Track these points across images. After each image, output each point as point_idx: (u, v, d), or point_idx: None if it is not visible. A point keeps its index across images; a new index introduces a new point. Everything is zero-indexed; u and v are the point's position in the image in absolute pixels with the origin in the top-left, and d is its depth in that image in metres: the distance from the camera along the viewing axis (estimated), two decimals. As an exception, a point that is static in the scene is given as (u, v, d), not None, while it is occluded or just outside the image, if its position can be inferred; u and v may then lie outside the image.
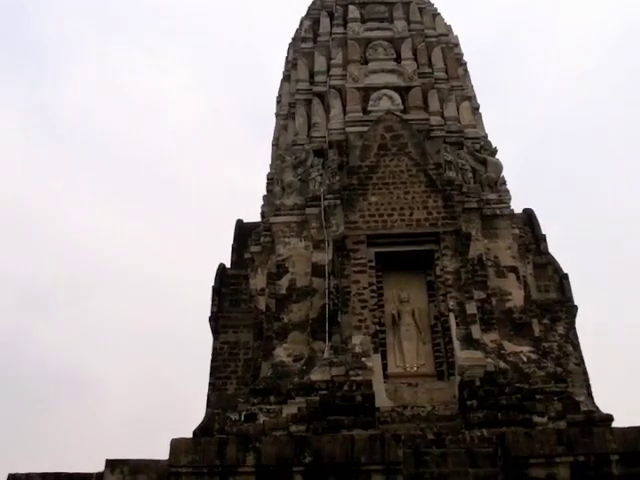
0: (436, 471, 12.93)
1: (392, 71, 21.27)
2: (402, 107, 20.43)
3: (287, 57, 24.60)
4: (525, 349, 17.28)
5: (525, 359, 16.97)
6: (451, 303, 17.07)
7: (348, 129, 20.13)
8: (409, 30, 22.22)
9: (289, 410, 15.60)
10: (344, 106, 20.77)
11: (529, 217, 22.41)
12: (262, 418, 15.58)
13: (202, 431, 17.41)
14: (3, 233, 60.19)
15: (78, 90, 68.61)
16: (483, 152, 20.29)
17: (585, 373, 19.22)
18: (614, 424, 15.18)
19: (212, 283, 21.62)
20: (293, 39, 24.69)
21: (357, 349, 16.38)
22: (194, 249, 56.27)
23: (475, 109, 22.08)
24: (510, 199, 19.46)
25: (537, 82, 68.80)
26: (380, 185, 18.48)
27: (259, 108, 63.84)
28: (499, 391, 15.34)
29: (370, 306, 17.19)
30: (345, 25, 22.52)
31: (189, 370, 45.27)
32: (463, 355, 16.12)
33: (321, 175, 19.70)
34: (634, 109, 65.38)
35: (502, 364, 16.23)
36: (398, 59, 21.60)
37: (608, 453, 12.82)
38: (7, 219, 58.81)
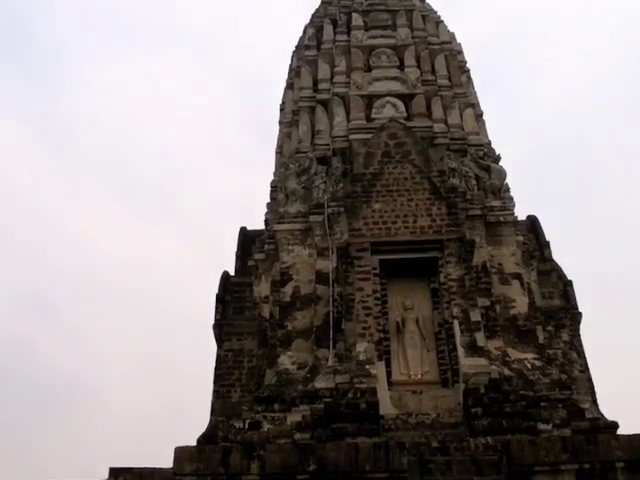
0: (441, 479, 12.92)
1: (395, 78, 21.27)
2: (405, 114, 20.43)
3: (291, 65, 24.63)
4: (529, 356, 17.26)
5: (529, 366, 16.94)
6: (455, 310, 17.03)
7: (352, 136, 20.12)
8: (412, 37, 22.22)
9: (293, 418, 15.59)
10: (348, 114, 20.77)
11: (533, 224, 22.36)
12: (266, 426, 15.56)
13: (206, 439, 17.38)
14: (3, 239, 60.37)
15: (80, 96, 68.91)
16: (487, 159, 20.29)
17: (590, 380, 19.14)
18: (619, 431, 15.16)
19: (216, 290, 21.62)
20: (296, 47, 24.73)
21: (361, 357, 16.34)
22: (197, 256, 56.41)
23: (478, 116, 22.09)
24: (514, 206, 19.47)
25: (540, 85, 68.90)
26: (384, 192, 18.47)
27: (261, 115, 64.08)
28: (504, 398, 15.31)
29: (374, 313, 17.16)
30: (348, 33, 22.53)
31: (193, 378, 45.24)
32: (467, 362, 16.07)
33: (325, 183, 19.72)
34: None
35: (507, 371, 16.20)
36: (401, 66, 21.60)
37: (613, 460, 12.79)
38: (6, 227, 58.94)
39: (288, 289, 18.51)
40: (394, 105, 20.64)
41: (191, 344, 42.88)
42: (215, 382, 19.71)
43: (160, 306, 52.63)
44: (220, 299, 21.31)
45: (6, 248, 58.54)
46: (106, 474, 13.26)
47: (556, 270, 21.10)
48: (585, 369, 19.27)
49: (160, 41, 75.08)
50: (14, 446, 43.07)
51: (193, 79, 72.99)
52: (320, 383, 16.17)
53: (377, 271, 17.76)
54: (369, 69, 21.67)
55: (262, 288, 19.66)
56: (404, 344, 17.35)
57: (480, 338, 16.66)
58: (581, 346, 19.72)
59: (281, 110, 24.19)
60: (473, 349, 16.42)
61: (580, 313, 20.30)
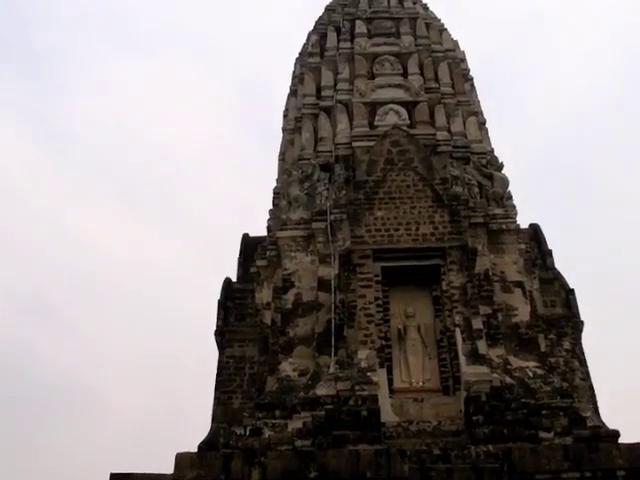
0: (442, 487, 12.91)
1: (399, 86, 21.30)
2: (409, 122, 20.45)
3: (294, 72, 24.66)
4: (531, 364, 17.21)
5: (531, 374, 16.89)
6: (457, 318, 17.03)
7: (355, 144, 20.14)
8: (416, 45, 22.26)
9: (294, 425, 15.54)
10: (351, 121, 20.78)
11: (535, 232, 22.35)
12: (267, 433, 15.51)
13: (207, 445, 17.36)
14: (3, 239, 60.41)
15: (80, 95, 69.10)
16: (489, 167, 20.29)
17: (591, 388, 19.13)
18: (621, 440, 15.12)
19: (216, 293, 21.65)
20: (300, 54, 24.76)
21: (363, 364, 16.32)
22: (197, 256, 56.43)
23: (481, 124, 22.07)
24: (516, 214, 19.44)
25: (540, 85, 68.99)
26: (386, 200, 18.48)
27: (261, 116, 64.23)
28: (505, 406, 15.29)
29: (376, 321, 17.16)
30: (352, 40, 22.57)
31: (193, 376, 45.29)
32: (469, 370, 16.04)
33: (327, 189, 19.71)
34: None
35: (508, 379, 16.16)
36: (405, 74, 21.63)
37: (615, 469, 12.82)
38: (6, 227, 58.99)
39: (290, 296, 18.48)
40: (397, 112, 20.67)
41: (191, 343, 42.96)
42: (216, 388, 19.69)
43: (160, 306, 52.74)
44: (222, 305, 21.29)
45: (6, 248, 58.70)
46: (107, 479, 13.26)
47: (558, 278, 21.08)
48: (586, 377, 19.25)
49: (160, 41, 75.28)
50: (14, 446, 43.21)
51: (193, 79, 73.07)
52: (321, 390, 16.13)
53: (379, 278, 17.76)
54: (372, 76, 21.70)
55: (264, 295, 19.62)
56: (406, 351, 17.34)
57: (482, 346, 16.64)
58: (583, 354, 19.70)
59: (284, 117, 24.20)
60: (475, 357, 16.41)
61: (582, 321, 20.27)
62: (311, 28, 24.70)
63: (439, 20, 24.15)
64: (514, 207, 19.60)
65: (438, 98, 21.20)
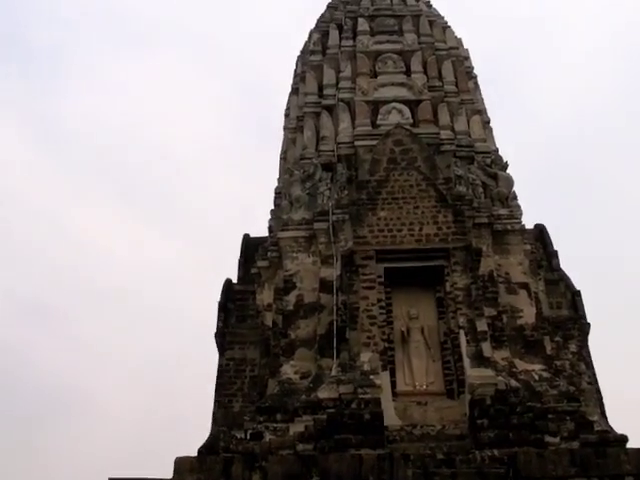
0: (446, 492, 12.70)
1: (402, 84, 21.10)
2: (412, 121, 20.25)
3: (296, 70, 24.47)
4: (537, 367, 17.03)
5: (537, 377, 16.71)
6: (461, 320, 16.80)
7: (357, 143, 19.94)
8: (419, 43, 22.06)
9: (296, 428, 15.36)
10: (353, 119, 20.59)
11: (540, 233, 22.17)
12: (268, 436, 15.34)
13: (207, 449, 17.14)
14: (3, 239, 60.39)
15: (80, 96, 69.07)
16: (494, 166, 20.07)
17: (598, 392, 18.94)
18: (629, 445, 14.92)
19: (217, 294, 21.48)
20: (302, 52, 24.57)
21: (365, 366, 16.11)
22: (197, 257, 56.39)
23: (485, 123, 21.89)
24: (521, 214, 19.25)
25: (540, 85, 68.96)
26: (389, 200, 18.26)
27: (261, 116, 64.31)
28: (510, 410, 15.08)
29: (379, 323, 16.94)
30: (354, 38, 22.37)
31: (193, 378, 45.17)
32: (473, 373, 15.84)
33: (329, 189, 19.52)
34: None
35: (513, 382, 15.95)
36: (408, 72, 21.42)
37: (622, 475, 12.67)
38: (6, 227, 58.94)
39: (291, 297, 18.30)
40: (400, 111, 20.46)
41: (191, 344, 42.83)
42: (217, 391, 19.51)
43: (160, 306, 52.64)
44: (222, 307, 21.14)
45: (6, 248, 58.64)
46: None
47: (564, 280, 20.92)
48: (593, 381, 19.07)
49: (160, 41, 75.12)
50: (14, 446, 43.17)
51: (193, 79, 73.07)
52: (323, 393, 15.93)
53: (382, 279, 17.55)
54: (375, 75, 21.50)
55: (265, 296, 19.42)
56: (409, 354, 17.12)
57: (486, 348, 16.41)
58: (589, 357, 19.52)
59: (286, 116, 24.02)
60: (479, 359, 16.19)
61: (588, 324, 20.11)
62: (312, 26, 24.52)
63: (442, 17, 23.97)
64: (519, 207, 19.39)
65: (441, 96, 21.02)
